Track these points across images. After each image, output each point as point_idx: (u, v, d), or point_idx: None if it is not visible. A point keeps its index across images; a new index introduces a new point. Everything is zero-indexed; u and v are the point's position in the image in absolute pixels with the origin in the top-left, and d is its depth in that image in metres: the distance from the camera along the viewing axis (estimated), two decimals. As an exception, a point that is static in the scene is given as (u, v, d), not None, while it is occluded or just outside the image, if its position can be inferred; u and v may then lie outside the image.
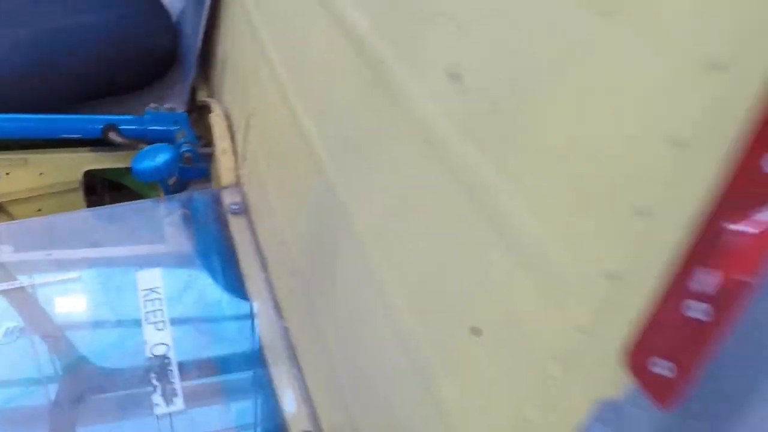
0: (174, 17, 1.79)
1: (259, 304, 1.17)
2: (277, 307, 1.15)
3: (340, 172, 0.89)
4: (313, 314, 1.00)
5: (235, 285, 1.20)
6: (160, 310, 1.13)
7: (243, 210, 1.32)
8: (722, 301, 0.36)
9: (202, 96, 1.71)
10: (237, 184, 1.38)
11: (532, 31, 0.51)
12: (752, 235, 0.35)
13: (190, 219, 1.35)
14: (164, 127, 1.56)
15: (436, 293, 0.66)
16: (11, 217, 1.59)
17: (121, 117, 1.55)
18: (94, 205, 1.62)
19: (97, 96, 1.63)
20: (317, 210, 0.99)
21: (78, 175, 1.58)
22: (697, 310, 0.37)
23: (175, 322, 1.12)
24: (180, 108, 1.62)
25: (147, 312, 1.13)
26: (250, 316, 1.17)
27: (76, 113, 1.57)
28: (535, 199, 0.51)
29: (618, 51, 0.43)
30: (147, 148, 1.45)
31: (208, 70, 1.73)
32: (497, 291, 0.55)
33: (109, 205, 1.48)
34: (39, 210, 1.60)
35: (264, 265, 1.22)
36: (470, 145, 0.58)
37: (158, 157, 1.42)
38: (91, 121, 1.54)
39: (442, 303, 0.65)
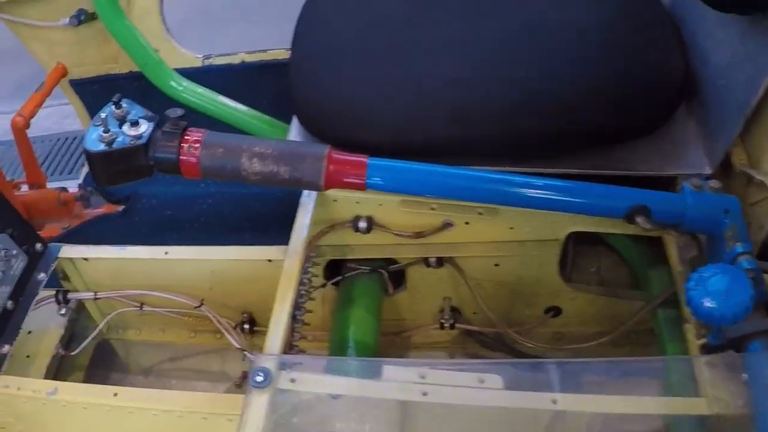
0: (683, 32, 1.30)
1: None
2: None
3: None
4: None
5: None
6: None
7: None
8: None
9: (739, 163, 1.19)
10: None
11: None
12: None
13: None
14: (710, 216, 1.11)
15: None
16: (460, 271, 1.43)
17: (654, 193, 1.14)
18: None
19: (562, 144, 1.25)
20: None
21: (560, 235, 1.34)
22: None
23: None
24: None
25: None
26: None
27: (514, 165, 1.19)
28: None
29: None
30: (701, 270, 0.99)
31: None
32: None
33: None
34: (496, 265, 1.43)
35: None
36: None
37: (735, 293, 0.96)
38: (612, 196, 1.14)
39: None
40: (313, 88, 1.35)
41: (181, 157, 1.13)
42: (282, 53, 1.88)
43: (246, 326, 1.60)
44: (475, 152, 1.26)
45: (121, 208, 1.90)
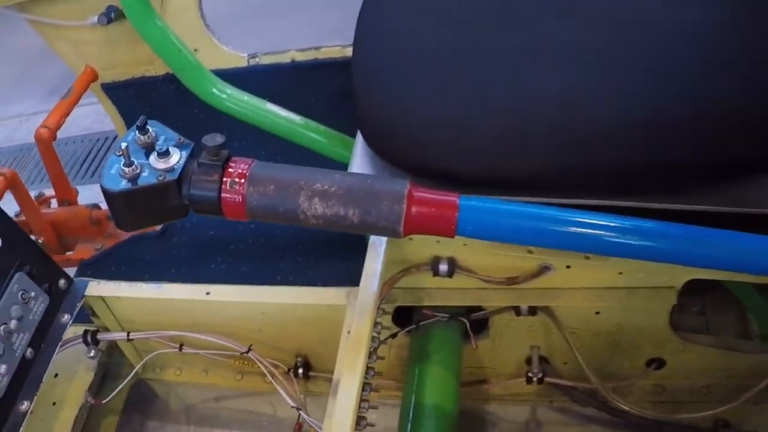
0: None
1: None
2: None
3: None
4: None
5: None
6: None
7: None
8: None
9: None
10: None
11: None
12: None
13: None
14: None
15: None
16: (555, 320, 1.21)
17: None
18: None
19: (684, 176, 1.01)
20: None
21: (676, 282, 1.15)
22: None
23: None
24: None
25: None
26: None
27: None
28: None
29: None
30: None
31: None
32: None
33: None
34: (597, 313, 1.21)
35: None
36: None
37: None
38: (761, 250, 0.88)
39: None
40: (381, 100, 1.11)
41: (222, 195, 0.90)
42: (338, 51, 1.67)
43: (300, 371, 1.40)
44: (581, 184, 1.02)
45: (158, 227, 1.69)
